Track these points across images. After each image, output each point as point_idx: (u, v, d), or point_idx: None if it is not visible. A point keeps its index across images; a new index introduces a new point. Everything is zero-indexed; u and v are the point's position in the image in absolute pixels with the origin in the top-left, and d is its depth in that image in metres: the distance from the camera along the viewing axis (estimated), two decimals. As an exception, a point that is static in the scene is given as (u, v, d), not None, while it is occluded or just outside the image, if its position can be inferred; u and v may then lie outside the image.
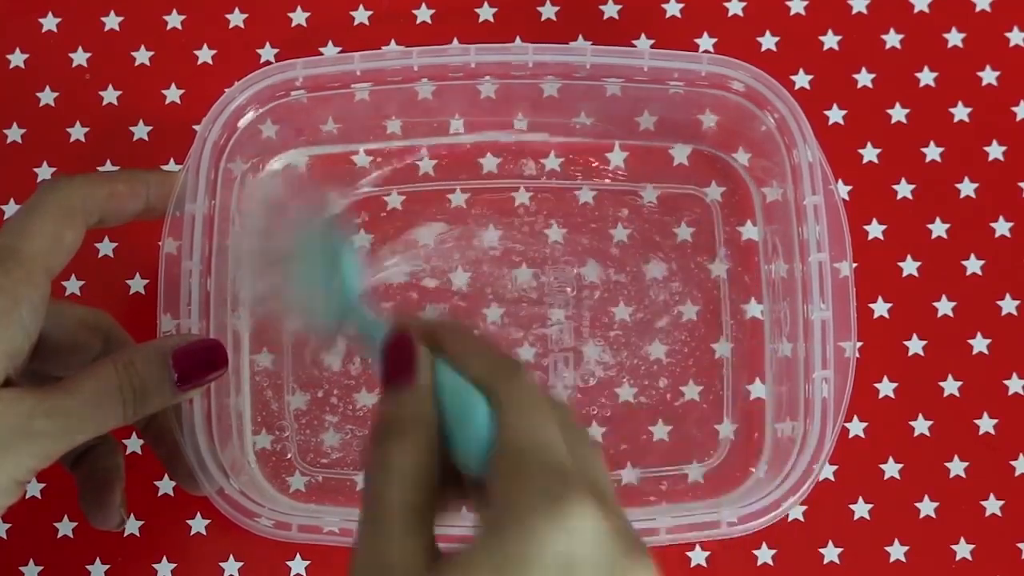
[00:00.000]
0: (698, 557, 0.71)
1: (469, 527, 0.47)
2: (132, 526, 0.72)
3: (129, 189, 0.61)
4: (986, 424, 0.73)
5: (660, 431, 0.72)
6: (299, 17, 0.77)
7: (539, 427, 0.47)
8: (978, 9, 0.76)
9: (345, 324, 0.56)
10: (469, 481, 0.49)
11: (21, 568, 0.72)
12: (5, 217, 0.75)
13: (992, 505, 0.72)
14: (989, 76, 0.76)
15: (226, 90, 0.67)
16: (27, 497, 0.71)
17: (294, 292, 0.60)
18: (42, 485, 0.72)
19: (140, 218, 0.62)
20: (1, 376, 0.53)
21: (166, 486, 0.72)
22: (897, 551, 0.72)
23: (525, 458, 0.46)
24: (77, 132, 0.76)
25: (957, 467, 0.72)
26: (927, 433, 0.73)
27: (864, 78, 0.76)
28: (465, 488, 0.50)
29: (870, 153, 0.75)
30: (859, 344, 0.65)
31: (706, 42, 0.76)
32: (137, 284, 0.74)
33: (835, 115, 0.76)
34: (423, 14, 0.77)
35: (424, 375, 0.50)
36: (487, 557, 0.44)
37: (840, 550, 0.72)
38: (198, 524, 0.72)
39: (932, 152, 0.75)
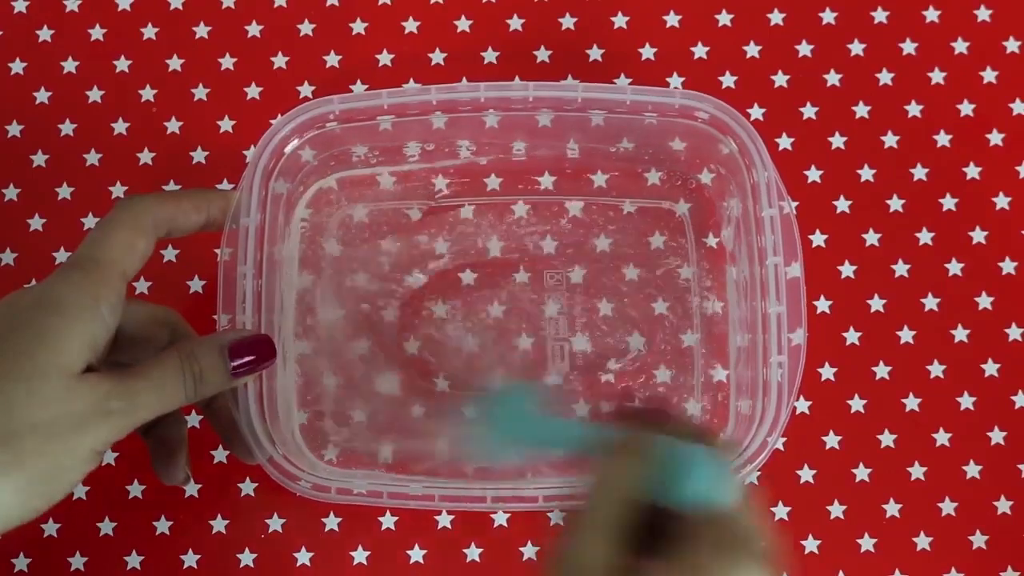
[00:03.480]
0: (669, 514, 0.71)
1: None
2: (191, 489, 0.71)
3: (193, 205, 0.60)
4: (911, 402, 0.72)
5: (637, 409, 0.72)
6: (332, 59, 0.77)
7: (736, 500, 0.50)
8: (904, 53, 0.76)
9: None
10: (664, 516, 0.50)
11: (98, 524, 0.71)
12: (86, 228, 0.74)
13: (916, 471, 0.72)
14: (914, 109, 0.75)
15: (272, 122, 0.67)
16: (103, 464, 0.71)
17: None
18: (115, 454, 0.72)
19: (202, 230, 0.62)
20: (84, 363, 0.53)
21: (220, 455, 0.72)
22: (836, 510, 0.71)
23: (728, 524, 0.49)
24: (145, 157, 0.75)
25: (887, 439, 0.72)
26: (862, 410, 0.72)
27: (809, 111, 0.76)
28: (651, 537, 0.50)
29: (814, 174, 0.75)
30: (806, 335, 0.65)
31: (675, 80, 0.76)
32: (196, 285, 0.73)
33: (784, 142, 0.75)
34: (437, 57, 0.77)
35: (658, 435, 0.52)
36: None
37: (789, 509, 0.71)
38: (247, 487, 0.72)
39: (866, 174, 0.75)
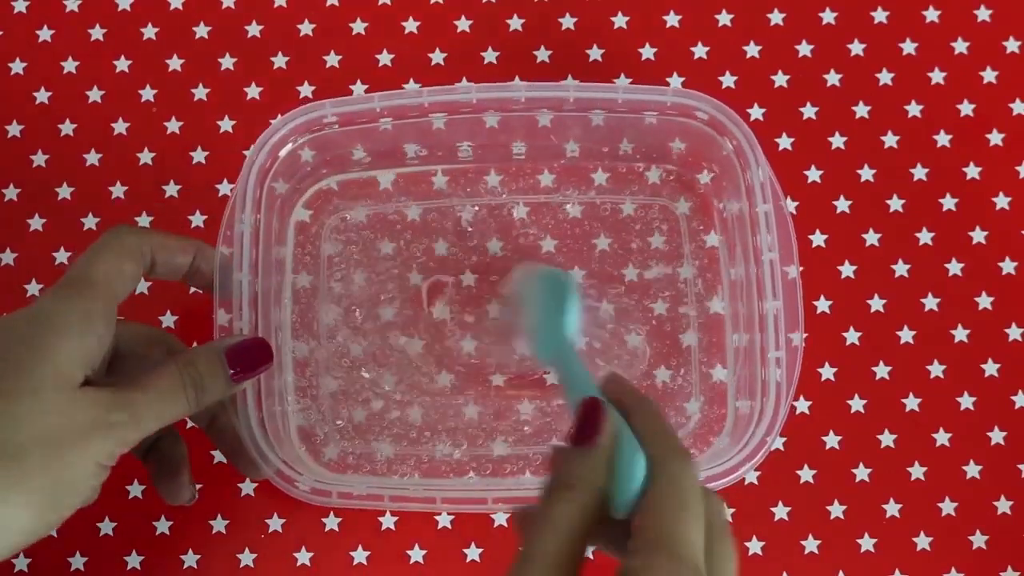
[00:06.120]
0: (669, 514, 0.71)
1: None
2: (191, 489, 0.71)
3: (178, 244, 0.61)
4: (912, 402, 0.72)
5: (637, 408, 0.72)
6: (332, 60, 0.76)
7: (685, 523, 0.46)
8: (904, 53, 0.76)
9: (557, 361, 0.58)
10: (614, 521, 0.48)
11: (98, 524, 0.71)
12: (86, 228, 0.74)
13: (916, 471, 0.71)
14: (914, 109, 0.75)
15: (271, 122, 0.67)
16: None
17: (525, 322, 0.63)
18: (116, 454, 0.72)
19: (187, 280, 0.63)
20: (82, 377, 0.53)
21: (220, 455, 0.72)
22: (837, 510, 0.71)
23: (663, 546, 0.45)
24: (145, 156, 0.75)
25: (887, 439, 0.72)
26: (862, 410, 0.72)
27: (809, 111, 0.75)
28: (610, 529, 0.48)
29: (814, 174, 0.75)
30: (805, 335, 0.65)
31: (675, 80, 0.76)
32: (196, 285, 0.73)
33: (784, 142, 0.75)
34: (437, 57, 0.76)
35: (606, 442, 0.49)
36: None
37: (788, 509, 0.71)
38: (247, 488, 0.72)
39: (866, 174, 0.75)
